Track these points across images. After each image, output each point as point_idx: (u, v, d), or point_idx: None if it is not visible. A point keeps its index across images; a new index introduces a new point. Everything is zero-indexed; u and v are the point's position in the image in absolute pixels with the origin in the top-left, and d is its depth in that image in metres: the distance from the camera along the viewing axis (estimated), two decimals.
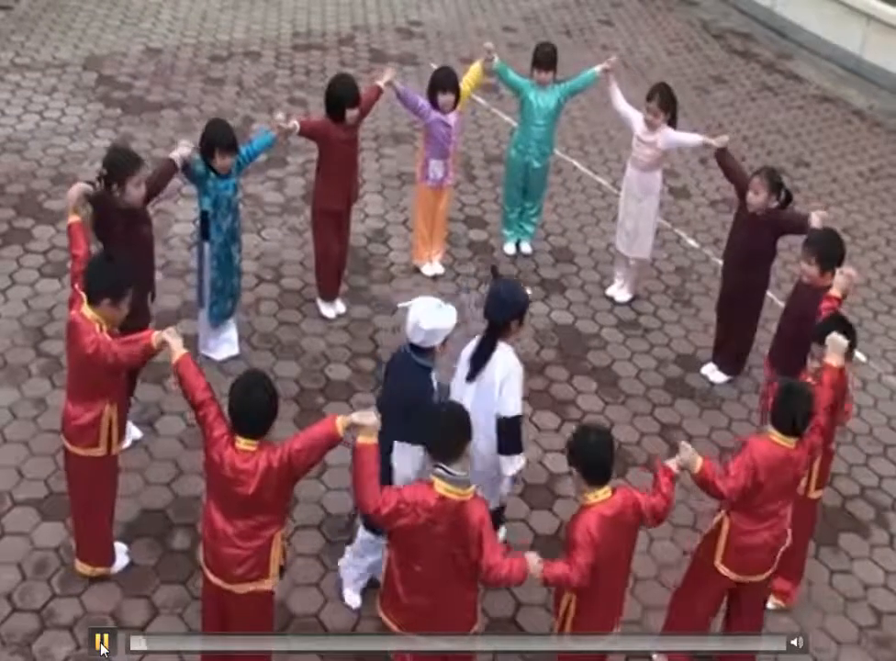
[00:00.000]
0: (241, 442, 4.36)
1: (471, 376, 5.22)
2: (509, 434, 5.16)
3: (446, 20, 13.09)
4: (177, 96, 10.32)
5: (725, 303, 7.31)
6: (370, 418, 4.36)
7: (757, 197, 6.69)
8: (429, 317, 4.87)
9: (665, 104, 7.47)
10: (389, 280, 8.10)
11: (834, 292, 5.74)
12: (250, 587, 4.53)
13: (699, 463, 4.68)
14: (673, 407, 7.23)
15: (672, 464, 4.66)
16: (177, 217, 8.38)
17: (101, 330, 4.85)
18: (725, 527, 4.95)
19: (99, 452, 5.09)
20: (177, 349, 4.63)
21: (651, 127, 7.55)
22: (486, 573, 4.30)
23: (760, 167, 7.17)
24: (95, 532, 5.34)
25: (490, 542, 4.30)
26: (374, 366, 7.19)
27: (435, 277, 8.18)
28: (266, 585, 4.59)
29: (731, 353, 7.40)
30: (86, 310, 4.89)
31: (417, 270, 8.20)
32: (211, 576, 4.57)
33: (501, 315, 5.19)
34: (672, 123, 7.62)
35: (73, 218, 5.43)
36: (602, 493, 4.41)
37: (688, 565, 5.25)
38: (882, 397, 7.60)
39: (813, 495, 5.49)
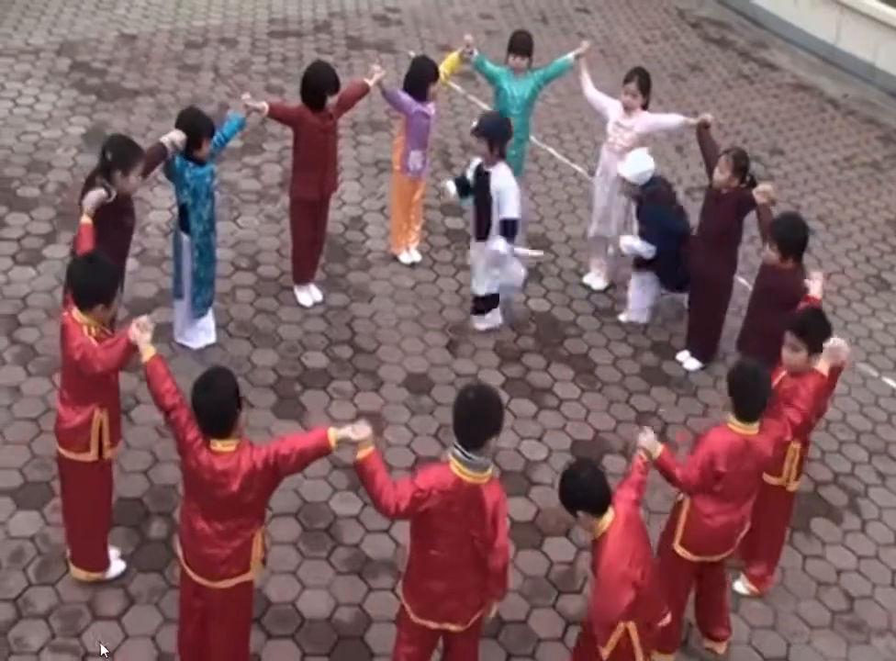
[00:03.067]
0: (218, 444, 4.29)
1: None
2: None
3: (423, 7, 13.05)
4: (152, 83, 10.24)
5: (695, 288, 7.38)
6: (364, 431, 4.30)
7: (721, 175, 6.83)
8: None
9: (643, 86, 7.53)
10: (367, 268, 8.09)
11: (814, 293, 5.81)
12: (231, 582, 4.52)
13: (658, 449, 4.73)
14: (649, 394, 7.28)
15: (640, 451, 4.72)
16: (153, 204, 8.33)
17: (89, 332, 4.77)
18: (685, 509, 4.98)
19: (90, 457, 5.01)
20: (145, 350, 4.54)
21: (629, 110, 7.58)
22: (495, 555, 4.34)
23: (732, 147, 7.27)
24: (89, 537, 5.27)
25: (503, 529, 4.34)
26: (351, 354, 7.20)
27: (413, 265, 8.18)
28: (247, 577, 4.60)
29: (702, 340, 7.46)
30: (77, 314, 4.81)
31: (394, 258, 8.20)
32: (192, 574, 4.54)
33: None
34: (645, 109, 7.68)
35: (85, 220, 5.40)
36: (608, 517, 4.39)
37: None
38: (855, 385, 7.67)
39: (791, 487, 5.55)
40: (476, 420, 4.29)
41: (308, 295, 7.59)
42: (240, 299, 7.54)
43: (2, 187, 8.35)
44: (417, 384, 7.02)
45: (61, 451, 5.06)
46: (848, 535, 6.40)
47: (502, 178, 7.02)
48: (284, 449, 4.32)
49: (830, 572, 6.13)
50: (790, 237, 6.08)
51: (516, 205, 7.02)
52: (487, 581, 4.49)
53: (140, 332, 4.59)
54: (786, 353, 5.31)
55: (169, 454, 6.13)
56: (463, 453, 4.25)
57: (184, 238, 6.58)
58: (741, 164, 6.79)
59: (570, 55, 8.08)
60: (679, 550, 5.03)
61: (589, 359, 7.53)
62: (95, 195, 5.49)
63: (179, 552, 4.62)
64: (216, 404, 4.27)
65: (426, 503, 4.23)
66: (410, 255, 8.21)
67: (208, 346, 6.99)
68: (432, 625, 4.53)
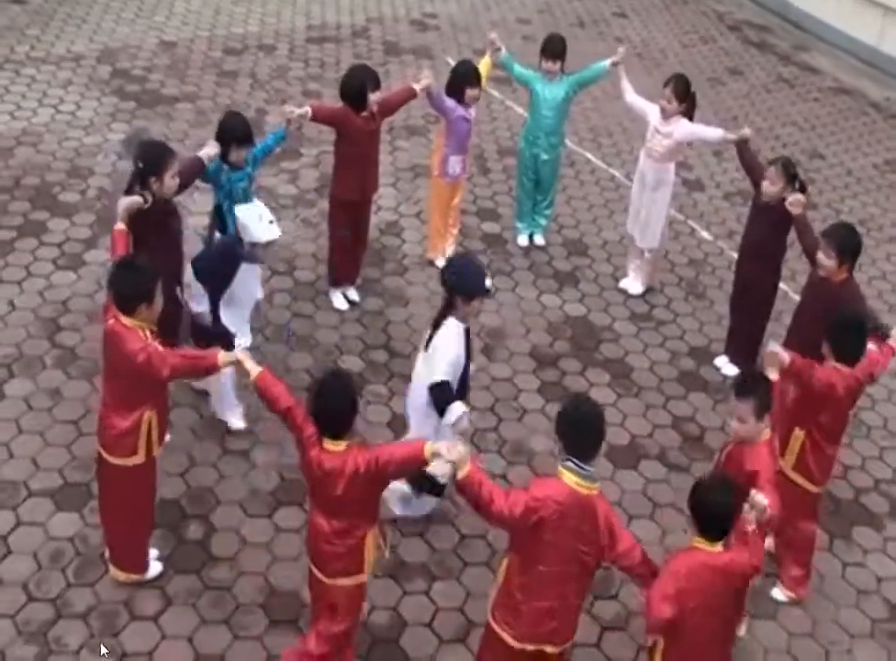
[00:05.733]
0: (329, 444, 4.39)
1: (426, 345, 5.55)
2: (436, 398, 5.38)
3: (460, 12, 13.08)
4: (191, 89, 10.35)
5: (738, 295, 7.31)
6: (457, 452, 4.24)
7: (773, 187, 6.67)
8: (246, 214, 5.99)
9: (679, 92, 7.43)
10: (402, 272, 8.11)
11: (893, 343, 5.62)
12: (345, 581, 4.62)
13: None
14: (686, 399, 7.22)
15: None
16: (191, 209, 8.40)
17: (148, 337, 4.78)
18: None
19: (137, 460, 5.02)
20: (252, 368, 4.64)
21: (666, 115, 7.52)
22: (624, 557, 4.31)
23: (776, 157, 7.12)
24: (131, 539, 5.30)
25: (621, 530, 4.33)
26: (387, 357, 7.21)
27: None
28: (360, 579, 4.67)
29: (743, 346, 7.38)
30: (126, 320, 4.80)
31: (430, 262, 8.21)
32: (314, 569, 4.66)
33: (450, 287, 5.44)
34: (689, 117, 7.60)
35: (120, 226, 5.46)
36: (710, 548, 4.27)
37: None
38: None
39: (797, 479, 5.42)
40: (589, 431, 4.31)
41: (343, 298, 7.62)
42: (277, 303, 7.59)
43: (44, 193, 8.47)
44: None
45: (107, 457, 5.06)
46: (889, 543, 6.31)
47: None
48: (384, 456, 4.39)
49: (871, 580, 6.05)
50: (848, 241, 5.96)
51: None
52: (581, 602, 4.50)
53: (244, 358, 4.70)
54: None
55: (206, 457, 6.21)
56: (577, 464, 4.25)
57: (219, 237, 6.62)
58: (791, 172, 6.69)
59: (607, 62, 8.03)
60: None
61: (626, 363, 7.49)
62: (128, 200, 5.53)
63: (307, 547, 4.75)
64: (335, 409, 4.37)
65: (540, 512, 4.22)
66: (446, 260, 8.21)
67: (245, 349, 7.02)
68: (530, 647, 4.49)
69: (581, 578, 4.40)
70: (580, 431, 4.30)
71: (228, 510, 5.92)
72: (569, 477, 4.25)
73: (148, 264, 4.97)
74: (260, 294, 6.56)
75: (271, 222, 6.00)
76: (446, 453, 4.25)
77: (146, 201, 5.61)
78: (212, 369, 4.83)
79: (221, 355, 4.78)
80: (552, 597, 4.37)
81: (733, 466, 4.82)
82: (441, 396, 5.33)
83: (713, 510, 4.25)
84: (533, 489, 4.29)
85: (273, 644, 5.21)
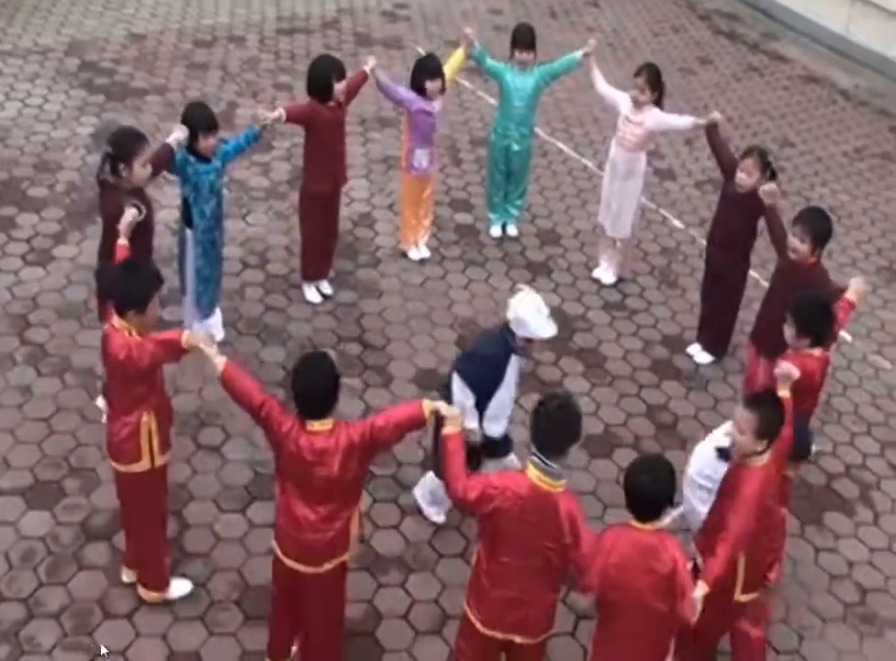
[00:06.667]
0: (315, 425, 4.37)
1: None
2: None
3: (431, 3, 13.03)
4: (161, 82, 10.26)
5: (709, 284, 7.34)
6: (455, 411, 4.48)
7: (749, 178, 6.66)
8: (524, 308, 5.24)
9: (651, 81, 7.45)
10: (375, 264, 8.09)
11: (850, 297, 5.77)
12: (331, 564, 4.61)
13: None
14: (659, 388, 7.25)
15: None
16: (161, 203, 8.34)
17: (130, 334, 4.76)
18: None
19: (141, 466, 4.96)
20: (216, 359, 4.55)
21: (638, 105, 7.53)
22: (581, 558, 4.27)
23: (750, 147, 7.07)
24: (147, 554, 5.23)
25: (586, 534, 4.28)
26: (360, 350, 7.20)
27: (422, 261, 8.18)
28: (346, 557, 4.68)
29: (715, 334, 7.43)
30: (117, 321, 4.80)
31: (403, 254, 8.19)
32: (290, 563, 4.60)
33: None
34: (659, 105, 7.61)
35: (123, 242, 5.41)
36: (639, 524, 4.25)
37: None
38: (867, 376, 7.64)
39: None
40: (559, 428, 4.28)
41: (316, 291, 7.60)
42: (249, 297, 7.55)
43: (12, 188, 8.38)
44: (426, 379, 7.01)
45: (114, 465, 5.02)
46: (861, 527, 6.37)
47: None
48: (379, 421, 4.42)
49: (842, 565, 6.11)
50: (822, 227, 6.03)
51: None
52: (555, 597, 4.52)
53: (206, 347, 4.60)
54: (792, 342, 5.35)
55: (179, 452, 6.15)
56: (542, 460, 4.24)
57: (188, 232, 6.58)
58: (766, 161, 6.71)
59: (578, 53, 8.03)
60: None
61: (599, 353, 7.51)
62: (129, 215, 5.47)
63: (275, 546, 4.65)
64: (318, 389, 4.37)
65: (496, 502, 4.22)
66: (419, 251, 8.20)
67: (217, 343, 6.98)
68: (499, 636, 4.50)
69: (547, 574, 4.37)
70: (548, 428, 4.28)
71: (201, 506, 5.90)
72: (533, 472, 4.24)
73: (149, 273, 4.95)
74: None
75: (549, 316, 5.31)
76: (444, 410, 4.39)
77: (140, 212, 5.57)
78: (177, 349, 4.71)
79: (185, 335, 4.71)
80: (516, 589, 4.36)
81: (730, 481, 4.77)
82: None
83: (637, 491, 4.22)
84: (493, 478, 4.32)
85: (248, 640, 5.21)
